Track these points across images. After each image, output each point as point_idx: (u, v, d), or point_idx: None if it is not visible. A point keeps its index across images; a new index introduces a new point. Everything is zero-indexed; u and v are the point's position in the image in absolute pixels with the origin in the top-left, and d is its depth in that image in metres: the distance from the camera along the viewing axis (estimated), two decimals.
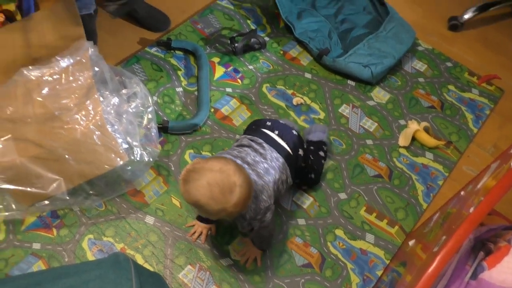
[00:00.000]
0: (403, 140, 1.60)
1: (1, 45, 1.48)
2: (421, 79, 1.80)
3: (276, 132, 1.30)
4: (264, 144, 1.25)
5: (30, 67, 1.28)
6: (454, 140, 1.64)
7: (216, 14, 1.90)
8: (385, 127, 1.65)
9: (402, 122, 1.67)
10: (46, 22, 1.51)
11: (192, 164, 1.05)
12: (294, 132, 1.34)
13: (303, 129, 1.56)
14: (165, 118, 1.54)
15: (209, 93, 1.62)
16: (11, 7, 1.59)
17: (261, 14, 1.93)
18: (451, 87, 1.80)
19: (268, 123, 1.33)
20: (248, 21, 1.90)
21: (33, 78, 1.27)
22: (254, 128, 1.34)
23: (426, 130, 1.62)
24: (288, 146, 1.29)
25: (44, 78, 1.27)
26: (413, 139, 1.61)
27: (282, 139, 1.29)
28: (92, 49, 1.35)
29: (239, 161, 1.16)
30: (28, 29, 1.51)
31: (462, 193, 1.14)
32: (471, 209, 0.91)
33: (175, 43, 1.74)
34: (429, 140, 1.60)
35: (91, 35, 1.70)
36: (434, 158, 1.59)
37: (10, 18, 1.61)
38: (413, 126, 1.61)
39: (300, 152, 1.33)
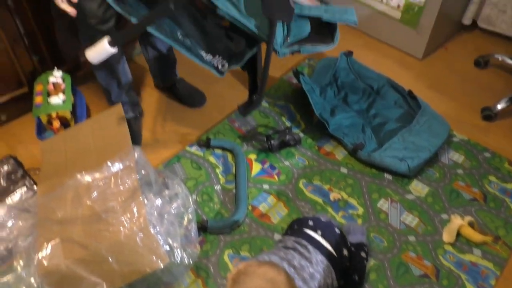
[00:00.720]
0: (448, 236, 1.54)
1: (55, 149, 1.59)
2: (459, 171, 1.78)
3: (319, 232, 1.29)
4: (309, 247, 1.24)
5: (83, 172, 1.35)
6: (502, 235, 1.57)
7: (252, 112, 1.99)
8: (427, 222, 1.60)
9: (444, 216, 1.62)
10: (96, 127, 1.62)
11: (245, 266, 1.05)
12: (337, 230, 1.33)
13: (341, 226, 1.54)
14: (204, 217, 1.57)
15: (247, 190, 1.65)
16: (67, 114, 1.73)
17: (295, 111, 2.01)
18: (492, 178, 1.76)
19: (310, 223, 1.32)
20: (283, 118, 1.98)
21: (85, 183, 1.34)
22: (297, 229, 1.33)
23: (471, 224, 1.57)
24: (332, 246, 1.27)
25: (94, 183, 1.34)
26: (458, 234, 1.56)
27: (325, 239, 1.28)
28: (139, 153, 1.42)
29: (285, 264, 1.14)
30: (79, 134, 1.63)
31: None
32: None
33: (214, 142, 1.82)
34: (475, 236, 1.54)
35: (136, 137, 1.81)
36: (482, 255, 1.51)
37: (65, 123, 1.75)
38: (457, 221, 1.56)
39: (345, 252, 1.30)
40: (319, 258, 1.22)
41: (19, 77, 1.84)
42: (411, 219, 1.61)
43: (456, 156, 1.84)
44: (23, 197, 1.63)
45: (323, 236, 1.28)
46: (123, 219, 1.30)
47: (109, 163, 1.35)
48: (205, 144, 1.81)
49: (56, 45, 1.90)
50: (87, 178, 1.34)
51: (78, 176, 1.34)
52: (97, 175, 1.34)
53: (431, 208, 1.65)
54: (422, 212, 1.63)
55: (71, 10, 1.38)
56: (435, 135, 1.81)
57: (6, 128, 1.92)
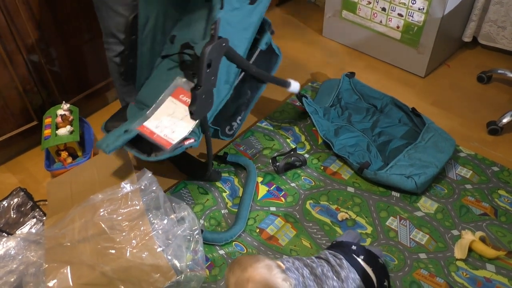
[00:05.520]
0: (459, 252, 1.51)
1: (61, 187, 1.62)
2: (468, 186, 1.76)
3: (362, 257, 1.28)
4: (344, 261, 1.22)
5: (98, 194, 1.39)
6: None
7: (257, 136, 2.01)
8: (437, 239, 1.58)
9: (455, 232, 1.60)
10: (100, 163, 1.67)
11: (244, 260, 1.08)
12: (380, 261, 1.32)
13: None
14: (202, 229, 1.58)
15: (249, 208, 1.67)
16: (74, 144, 1.78)
17: (299, 133, 2.02)
18: (501, 192, 1.73)
19: (354, 247, 1.31)
20: (288, 140, 1.99)
21: (94, 204, 1.37)
22: (336, 245, 1.34)
23: (482, 240, 1.54)
24: (374, 275, 1.26)
25: (103, 204, 1.36)
26: (470, 250, 1.53)
27: (369, 265, 1.26)
28: (150, 177, 1.45)
29: (306, 271, 1.14)
30: (84, 171, 1.67)
31: None
32: None
33: (230, 158, 1.86)
34: (488, 251, 1.51)
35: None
36: (496, 270, 1.48)
37: (73, 154, 1.79)
38: (468, 236, 1.54)
39: (386, 283, 1.29)
40: (351, 276, 1.20)
41: (29, 112, 1.89)
42: (421, 236, 1.59)
43: (464, 171, 1.82)
44: (33, 229, 1.64)
45: (365, 261, 1.26)
46: (129, 238, 1.31)
47: (122, 184, 1.38)
48: (221, 158, 1.85)
49: (63, 80, 1.95)
50: (97, 198, 1.36)
51: (91, 197, 1.37)
52: (106, 196, 1.37)
53: (441, 224, 1.63)
54: (432, 229, 1.61)
55: None
56: (441, 150, 1.80)
57: (16, 161, 1.96)
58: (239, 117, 1.68)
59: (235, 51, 1.49)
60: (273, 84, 1.75)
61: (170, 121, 1.49)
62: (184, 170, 1.85)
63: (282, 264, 1.11)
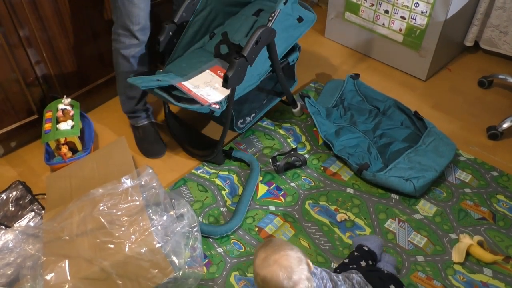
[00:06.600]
0: (457, 255, 1.52)
1: (60, 180, 1.62)
2: (467, 190, 1.77)
3: None
4: None
5: (98, 188, 1.38)
6: None
7: (258, 135, 2.01)
8: (435, 242, 1.58)
9: (453, 236, 1.60)
10: (100, 158, 1.67)
11: (281, 245, 1.09)
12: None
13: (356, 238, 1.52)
14: (199, 219, 1.59)
15: (248, 204, 1.67)
16: (75, 139, 1.77)
17: (300, 133, 2.02)
18: (500, 197, 1.74)
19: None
20: (288, 140, 1.99)
21: (94, 198, 1.37)
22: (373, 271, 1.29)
23: (480, 244, 1.54)
24: None
25: (102, 198, 1.36)
26: (468, 254, 1.53)
27: None
28: (151, 173, 1.45)
29: (330, 285, 1.14)
30: (84, 165, 1.66)
31: None
32: None
33: (235, 153, 1.86)
34: (485, 255, 1.51)
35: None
36: (493, 275, 1.48)
37: (73, 149, 1.78)
38: (466, 240, 1.54)
39: None
40: None
41: (29, 105, 1.89)
42: (419, 239, 1.59)
43: (463, 175, 1.82)
44: (31, 222, 1.64)
45: None
46: (128, 233, 1.31)
47: (123, 179, 1.38)
48: (226, 153, 1.87)
49: (65, 74, 1.95)
50: (99, 192, 1.36)
51: (92, 191, 1.37)
52: (106, 190, 1.37)
53: (440, 227, 1.63)
54: (430, 232, 1.61)
55: None
56: (441, 155, 1.80)
57: (15, 154, 1.96)
58: (253, 115, 1.91)
59: (275, 48, 1.70)
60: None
61: (206, 88, 1.68)
62: (191, 145, 1.93)
63: (311, 265, 1.11)
